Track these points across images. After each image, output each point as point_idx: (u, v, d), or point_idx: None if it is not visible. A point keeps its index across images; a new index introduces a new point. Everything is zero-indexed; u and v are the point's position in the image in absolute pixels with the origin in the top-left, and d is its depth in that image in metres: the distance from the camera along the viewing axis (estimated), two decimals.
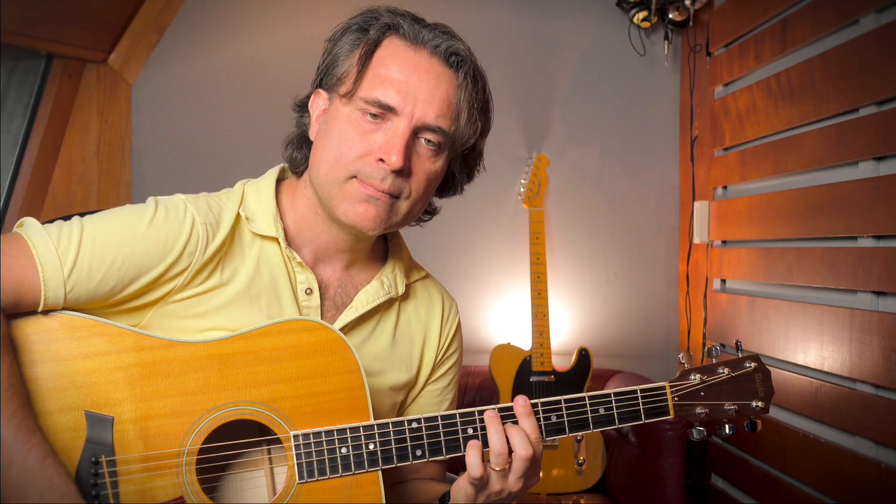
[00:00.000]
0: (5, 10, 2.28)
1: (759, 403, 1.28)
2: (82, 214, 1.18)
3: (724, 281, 2.83)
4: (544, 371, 2.80)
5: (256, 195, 1.27)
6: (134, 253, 1.13)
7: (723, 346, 2.55)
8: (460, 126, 1.23)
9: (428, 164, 1.22)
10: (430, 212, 1.37)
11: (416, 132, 1.20)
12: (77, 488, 1.04)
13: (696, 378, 1.27)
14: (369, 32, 1.21)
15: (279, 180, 1.31)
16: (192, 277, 1.18)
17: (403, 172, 1.19)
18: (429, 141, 1.21)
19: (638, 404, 1.24)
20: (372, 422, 1.16)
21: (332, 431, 1.15)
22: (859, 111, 2.01)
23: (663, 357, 3.14)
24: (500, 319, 3.09)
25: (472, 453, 1.16)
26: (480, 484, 1.17)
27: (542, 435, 1.19)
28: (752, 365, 1.29)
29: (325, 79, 1.25)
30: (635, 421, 1.24)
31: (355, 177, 1.19)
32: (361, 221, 1.20)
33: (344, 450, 1.15)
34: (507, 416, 1.19)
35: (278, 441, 1.15)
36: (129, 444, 1.09)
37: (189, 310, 1.18)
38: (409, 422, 1.17)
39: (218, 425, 1.12)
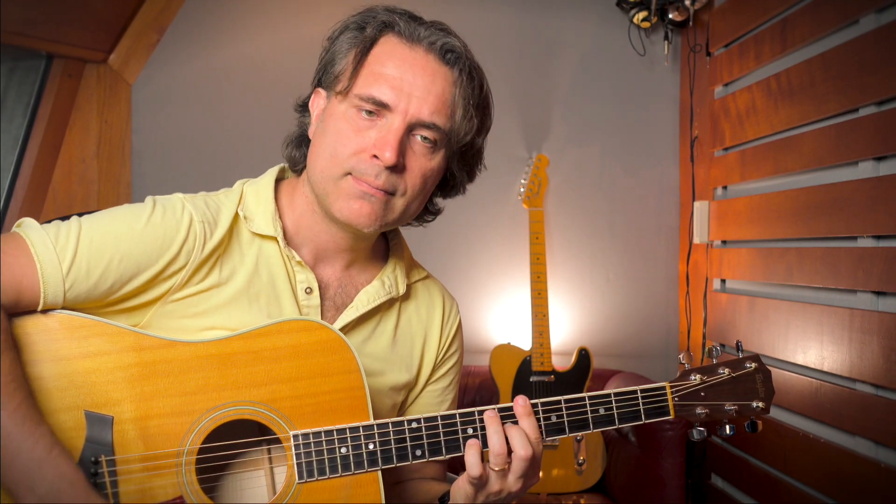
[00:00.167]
0: (5, 10, 2.28)
1: (760, 404, 1.27)
2: (81, 214, 1.18)
3: (724, 281, 2.82)
4: (544, 371, 2.80)
5: (255, 195, 1.27)
6: (132, 250, 1.14)
7: (723, 346, 2.54)
8: (456, 123, 1.23)
9: (423, 161, 1.22)
10: (434, 212, 1.36)
11: (410, 129, 1.20)
12: (86, 476, 1.04)
13: (696, 378, 1.27)
14: (366, 30, 1.21)
15: (279, 180, 1.32)
16: (190, 275, 1.18)
17: (398, 169, 1.19)
18: (424, 138, 1.21)
19: (638, 404, 1.24)
20: (372, 422, 1.16)
21: (331, 431, 1.15)
22: (859, 111, 2.01)
23: (663, 357, 3.14)
24: (500, 319, 3.09)
25: (471, 453, 1.16)
26: (479, 484, 1.17)
27: (542, 435, 1.19)
28: (753, 365, 1.29)
29: (323, 77, 1.25)
30: (635, 421, 1.24)
31: (350, 173, 1.19)
32: (356, 218, 1.20)
33: (344, 450, 1.15)
34: (507, 416, 1.19)
35: (278, 441, 1.15)
36: (128, 444, 1.09)
37: (188, 309, 1.18)
38: (409, 422, 1.17)
39: (218, 425, 1.12)
